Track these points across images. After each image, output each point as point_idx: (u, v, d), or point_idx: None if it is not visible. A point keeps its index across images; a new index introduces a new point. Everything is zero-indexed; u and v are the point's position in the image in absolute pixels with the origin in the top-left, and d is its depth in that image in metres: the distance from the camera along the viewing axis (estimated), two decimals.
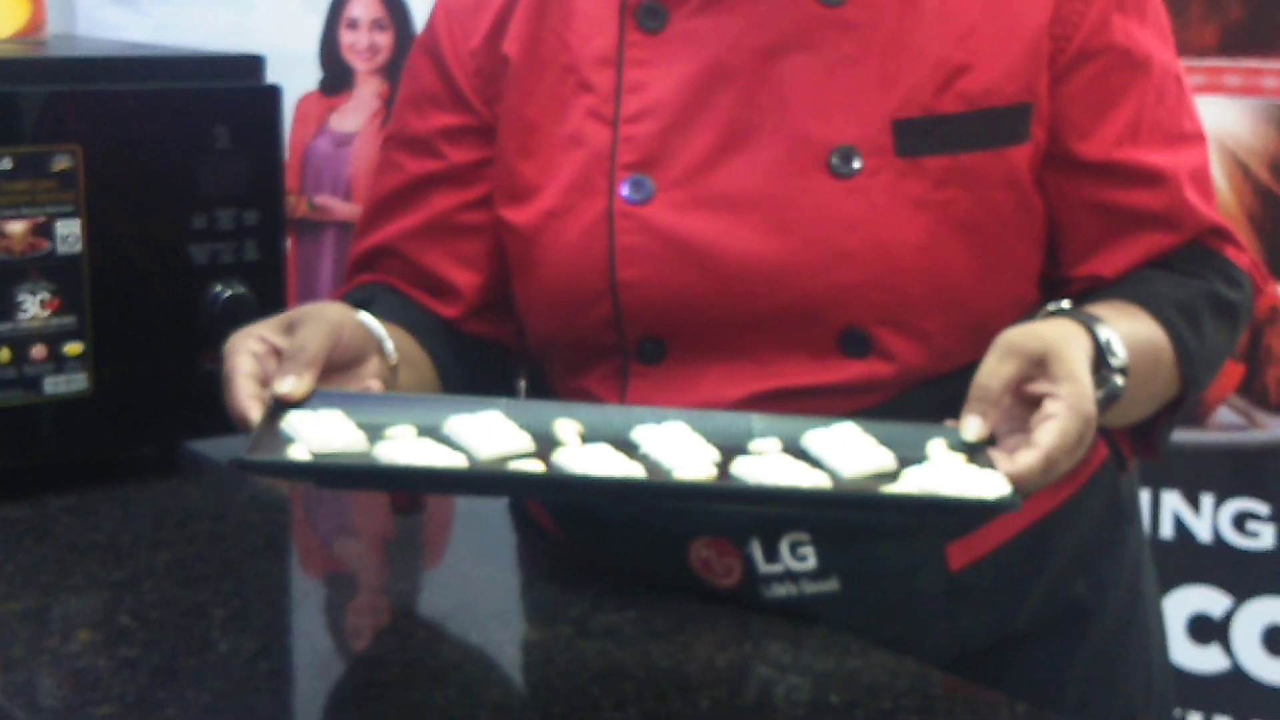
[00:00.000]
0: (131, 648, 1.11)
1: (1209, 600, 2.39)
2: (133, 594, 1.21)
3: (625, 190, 1.19)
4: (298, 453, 1.01)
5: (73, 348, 1.43)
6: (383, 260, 1.32)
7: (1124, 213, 1.22)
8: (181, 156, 1.47)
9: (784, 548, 1.20)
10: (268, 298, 1.51)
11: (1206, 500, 2.36)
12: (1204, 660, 2.41)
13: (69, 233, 1.41)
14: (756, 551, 1.20)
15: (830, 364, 1.18)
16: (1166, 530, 2.33)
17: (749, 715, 1.04)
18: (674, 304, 1.19)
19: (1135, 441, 1.28)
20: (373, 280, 1.33)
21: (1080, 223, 1.23)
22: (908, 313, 1.17)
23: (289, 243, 2.11)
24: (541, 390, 1.31)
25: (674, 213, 1.19)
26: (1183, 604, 2.41)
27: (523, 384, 1.38)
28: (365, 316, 1.18)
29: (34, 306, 1.40)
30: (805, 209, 1.17)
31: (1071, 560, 1.27)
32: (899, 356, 1.18)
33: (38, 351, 1.41)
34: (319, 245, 2.15)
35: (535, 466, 1.01)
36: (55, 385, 1.42)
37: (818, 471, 1.02)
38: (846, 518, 1.18)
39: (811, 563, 1.20)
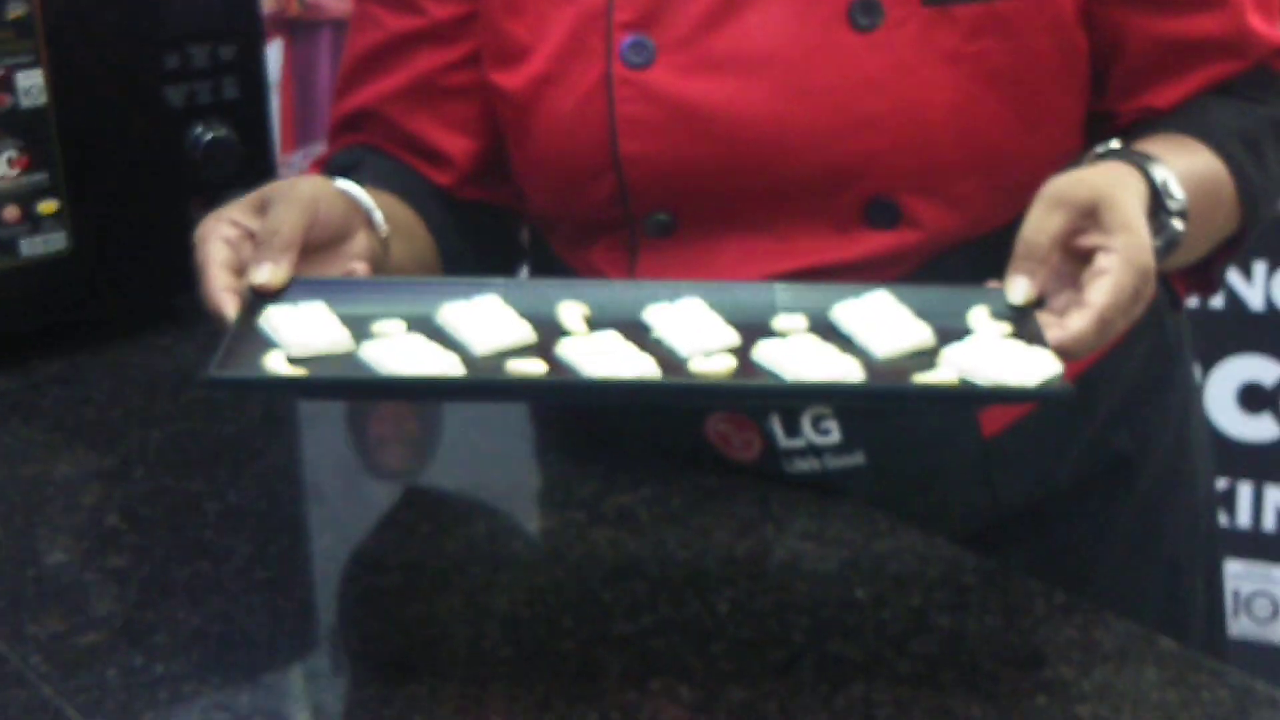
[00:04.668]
0: (120, 555, 1.06)
1: (1260, 369, 2.33)
2: (122, 486, 1.16)
3: (623, 53, 1.08)
4: (274, 363, 0.93)
5: (47, 205, 1.34)
6: (366, 123, 1.22)
7: (1180, 42, 1.10)
8: None
9: (805, 422, 1.13)
10: (251, 137, 1.41)
11: (1259, 267, 2.28)
12: (1255, 429, 2.36)
13: (31, 84, 1.31)
14: (776, 426, 1.13)
15: (855, 236, 1.08)
16: (1218, 302, 2.26)
17: (769, 620, 0.98)
18: (682, 177, 1.09)
19: (1190, 278, 1.18)
20: (359, 143, 1.23)
21: (1131, 54, 1.11)
22: (939, 178, 1.07)
23: (283, 45, 2.00)
24: (545, 255, 1.23)
25: (678, 77, 1.07)
26: (1233, 373, 2.35)
27: (526, 237, 1.29)
28: (349, 186, 1.08)
29: (1, 166, 1.31)
30: (824, 68, 1.05)
31: (1114, 412, 1.19)
32: (929, 224, 1.08)
33: (10, 213, 1.33)
34: (314, 46, 2.02)
35: (536, 366, 0.93)
36: (32, 247, 1.34)
37: (847, 357, 0.93)
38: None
39: (835, 436, 1.13)
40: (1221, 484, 2.39)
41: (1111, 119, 1.13)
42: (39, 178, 1.33)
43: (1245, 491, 2.40)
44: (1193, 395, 1.28)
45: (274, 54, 1.98)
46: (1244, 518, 2.41)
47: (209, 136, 1.39)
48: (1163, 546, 1.24)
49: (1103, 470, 1.20)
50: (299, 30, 2.03)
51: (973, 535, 1.15)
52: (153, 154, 1.38)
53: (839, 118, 1.06)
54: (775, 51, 1.06)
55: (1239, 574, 2.42)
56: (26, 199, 1.33)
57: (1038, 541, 1.19)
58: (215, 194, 1.40)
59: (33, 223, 1.34)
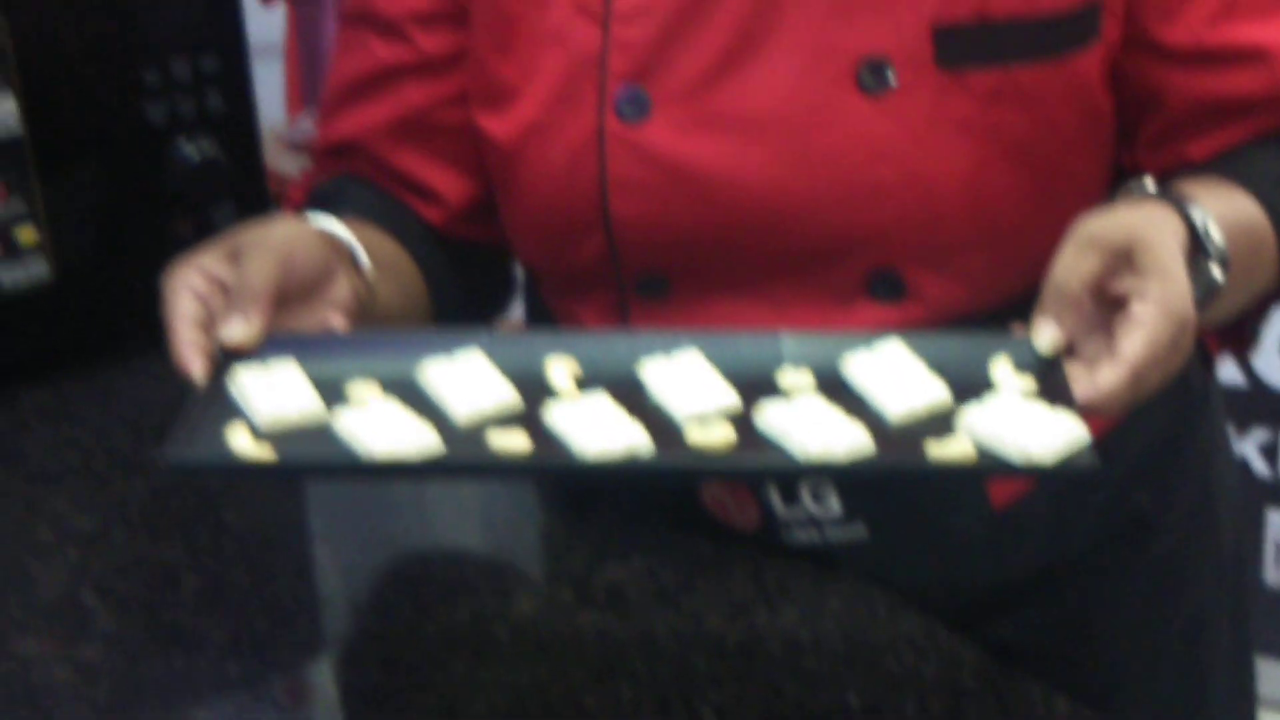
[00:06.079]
0: (93, 645, 1.03)
1: None
2: (100, 554, 1.12)
3: (618, 105, 1.01)
4: (239, 440, 0.88)
5: (26, 235, 1.29)
6: (353, 154, 1.16)
7: (1217, 101, 1.02)
8: (122, 5, 1.29)
9: (804, 493, 1.08)
10: (239, 150, 1.36)
11: None
12: None
13: (3, 113, 1.26)
14: (774, 497, 1.08)
15: (856, 308, 1.02)
16: None
17: None
18: (676, 241, 1.03)
19: (1223, 335, 1.11)
20: (345, 171, 1.17)
21: (1168, 111, 1.03)
22: (948, 251, 1.00)
23: (286, 8, 1.93)
24: (538, 297, 1.17)
25: (674, 135, 1.01)
26: (1276, 322, 2.26)
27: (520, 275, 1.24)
28: (332, 225, 1.03)
29: None
30: (829, 133, 0.99)
31: (1133, 471, 1.14)
32: (934, 298, 1.02)
33: None
34: (319, 5, 1.95)
35: (519, 439, 0.88)
36: (13, 278, 1.30)
37: (856, 424, 0.87)
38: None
39: (835, 509, 1.08)
40: (1264, 435, 2.32)
41: (1139, 171, 1.06)
42: (16, 207, 1.28)
43: None
44: (1218, 443, 1.21)
45: (277, 17, 1.91)
46: None
47: (193, 153, 1.33)
48: (1184, 603, 1.19)
49: (1120, 531, 1.14)
50: None
51: (980, 603, 1.11)
52: (136, 173, 1.33)
53: (843, 186, 0.99)
54: (777, 112, 0.99)
55: None
56: (4, 230, 1.28)
57: (1050, 604, 1.14)
58: (203, 211, 1.36)
59: (12, 253, 1.29)
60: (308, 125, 1.89)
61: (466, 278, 1.18)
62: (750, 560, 1.09)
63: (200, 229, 1.33)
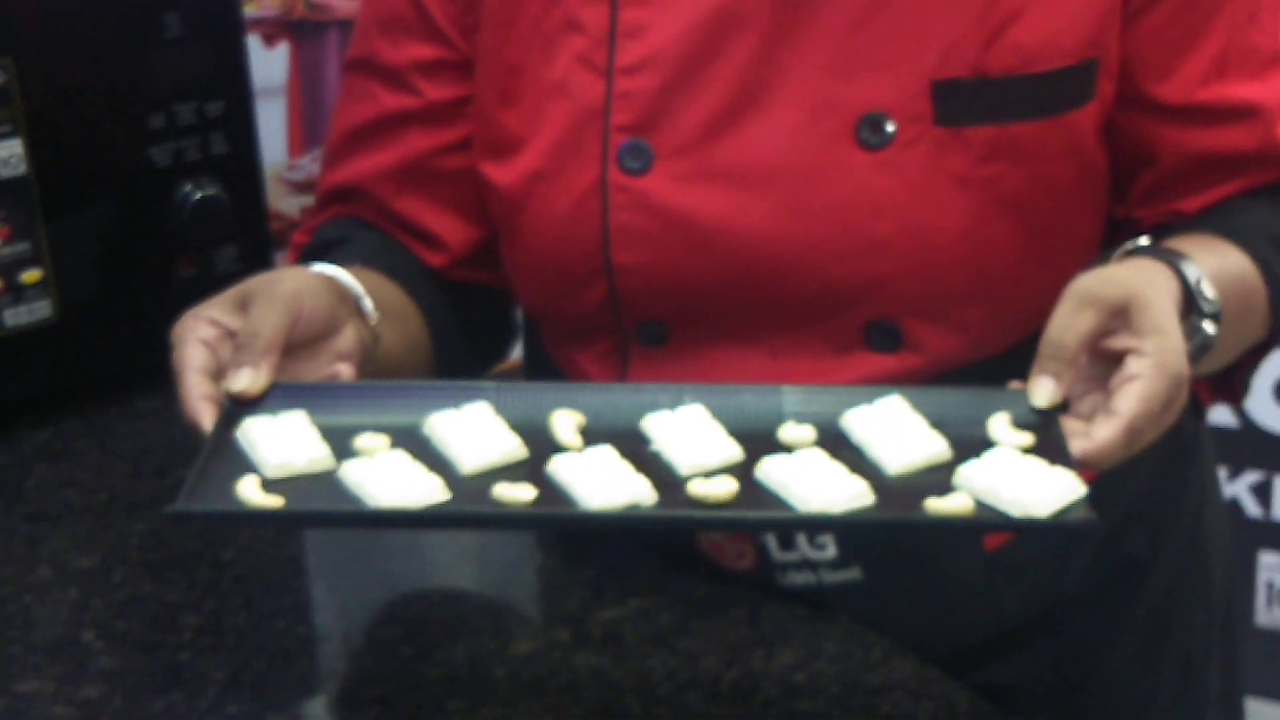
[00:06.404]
0: (93, 684, 1.04)
1: None
2: (100, 593, 1.13)
3: (620, 157, 1.02)
4: (247, 490, 0.89)
5: (30, 275, 1.31)
6: (355, 199, 1.17)
7: (1209, 156, 1.04)
8: (129, 52, 1.31)
9: (800, 536, 1.09)
10: (242, 193, 1.37)
11: None
12: None
13: (10, 154, 1.28)
14: (770, 540, 1.09)
15: (854, 358, 1.04)
16: None
17: None
18: (676, 291, 1.04)
19: (1214, 385, 1.13)
20: (348, 215, 1.18)
21: (1158, 165, 1.05)
22: (945, 303, 1.02)
23: (289, 48, 1.94)
24: (538, 342, 1.18)
25: (676, 186, 1.02)
26: (1271, 366, 2.28)
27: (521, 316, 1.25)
28: (337, 273, 1.04)
29: None
30: (829, 186, 1.00)
31: (1126, 516, 1.15)
32: (932, 349, 1.03)
33: None
34: (321, 47, 1.96)
35: (525, 491, 0.89)
36: (16, 317, 1.31)
37: (856, 478, 0.88)
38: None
39: (830, 552, 1.09)
40: (1256, 476, 2.33)
41: (1133, 224, 1.08)
42: (21, 247, 1.30)
43: None
44: (1209, 489, 1.22)
45: (280, 57, 1.92)
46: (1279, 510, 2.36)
47: (197, 196, 1.35)
48: (1175, 645, 1.20)
49: (1112, 575, 1.16)
50: (305, 32, 1.97)
51: (974, 645, 1.12)
52: (140, 215, 1.34)
53: (842, 239, 1.01)
54: (778, 166, 1.01)
55: (1274, 565, 2.38)
56: (9, 269, 1.30)
57: (1043, 648, 1.15)
58: (206, 252, 1.37)
59: (15, 293, 1.30)
60: (308, 165, 1.91)
61: (468, 321, 1.19)
62: (746, 602, 1.10)
63: (203, 269, 1.35)
